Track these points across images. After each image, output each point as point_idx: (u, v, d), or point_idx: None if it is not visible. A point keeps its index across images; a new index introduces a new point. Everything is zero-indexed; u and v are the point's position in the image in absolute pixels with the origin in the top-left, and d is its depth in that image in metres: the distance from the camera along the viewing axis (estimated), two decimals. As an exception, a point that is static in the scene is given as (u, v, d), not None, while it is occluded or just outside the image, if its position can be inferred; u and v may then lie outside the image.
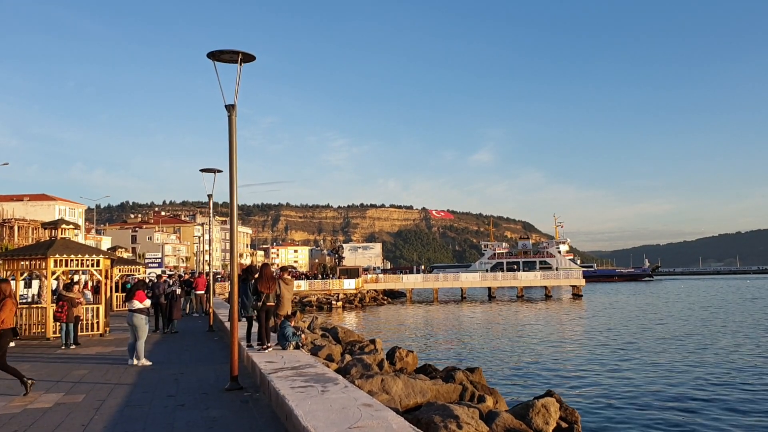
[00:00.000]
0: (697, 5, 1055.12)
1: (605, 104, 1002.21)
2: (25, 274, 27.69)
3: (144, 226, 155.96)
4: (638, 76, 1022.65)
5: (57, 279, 24.55)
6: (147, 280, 37.55)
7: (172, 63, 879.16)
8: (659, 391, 22.95)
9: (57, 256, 22.13)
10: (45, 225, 25.96)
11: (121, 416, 9.68)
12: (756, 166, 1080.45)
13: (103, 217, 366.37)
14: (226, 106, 11.85)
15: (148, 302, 16.75)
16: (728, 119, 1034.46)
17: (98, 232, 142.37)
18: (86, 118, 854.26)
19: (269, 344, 14.33)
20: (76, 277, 36.43)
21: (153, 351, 17.45)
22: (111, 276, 31.57)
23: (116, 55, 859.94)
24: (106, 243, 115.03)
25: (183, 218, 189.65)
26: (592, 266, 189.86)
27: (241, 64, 11.72)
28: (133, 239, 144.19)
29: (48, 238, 24.67)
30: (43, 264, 22.27)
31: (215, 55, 11.69)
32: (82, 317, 21.19)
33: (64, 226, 24.38)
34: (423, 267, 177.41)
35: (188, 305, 31.36)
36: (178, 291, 23.50)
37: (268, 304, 14.54)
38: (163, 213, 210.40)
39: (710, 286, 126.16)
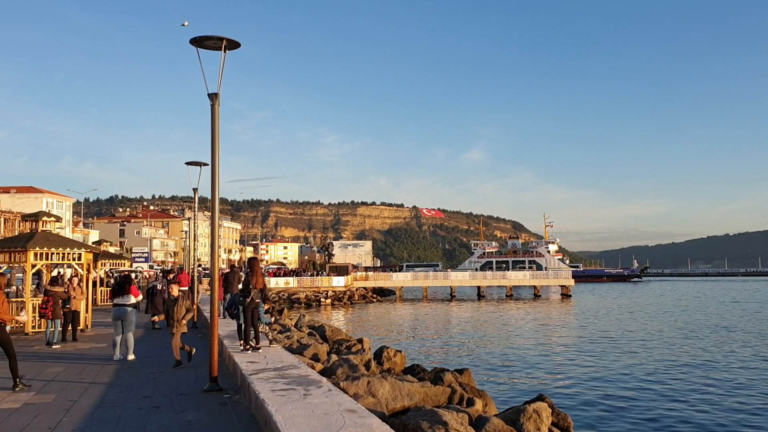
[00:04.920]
0: (690, 3, 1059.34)
1: (597, 103, 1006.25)
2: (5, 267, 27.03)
3: (132, 220, 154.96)
4: (630, 77, 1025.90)
5: (38, 273, 24.00)
6: (134, 275, 37.04)
7: (163, 56, 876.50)
8: (652, 394, 22.63)
9: (37, 249, 21.55)
10: (25, 217, 25.33)
11: (92, 419, 9.18)
12: (745, 168, 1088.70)
13: (91, 210, 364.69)
14: (209, 94, 11.35)
15: (140, 297, 16.33)
16: (719, 121, 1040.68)
17: (86, 225, 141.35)
18: (76, 110, 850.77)
19: (252, 344, 13.80)
20: (61, 271, 35.84)
21: (133, 348, 16.88)
22: (95, 270, 30.95)
23: (107, 48, 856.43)
24: (93, 236, 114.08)
25: (172, 213, 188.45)
26: (577, 266, 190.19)
27: (225, 51, 11.22)
28: (121, 233, 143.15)
29: (29, 231, 24.06)
30: (23, 257, 21.67)
31: (198, 42, 11.20)
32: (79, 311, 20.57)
33: (45, 218, 23.78)
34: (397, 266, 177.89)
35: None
36: (159, 286, 22.97)
37: (256, 300, 13.99)
38: (152, 207, 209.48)
39: (700, 288, 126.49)
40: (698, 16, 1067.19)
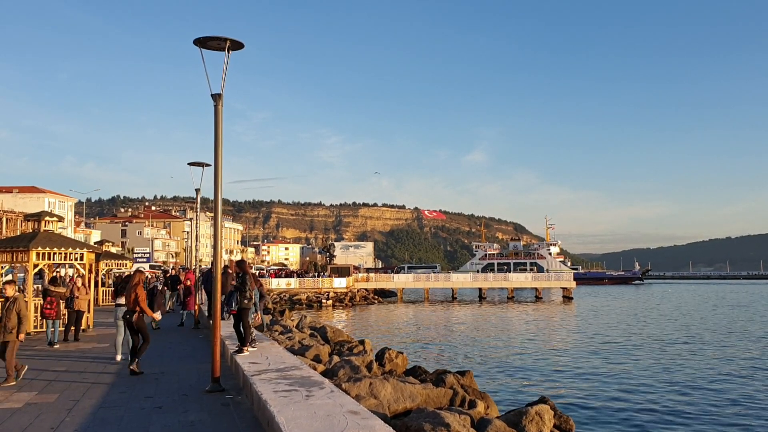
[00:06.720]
0: (691, 2, 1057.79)
1: (599, 104, 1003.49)
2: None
3: (134, 221, 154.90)
4: (633, 77, 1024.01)
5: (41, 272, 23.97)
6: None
7: (165, 56, 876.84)
8: (654, 396, 22.61)
9: (39, 249, 21.54)
10: (28, 217, 25.36)
11: (94, 419, 9.18)
12: (747, 171, 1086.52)
13: (93, 210, 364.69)
14: (212, 95, 11.36)
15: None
16: (721, 123, 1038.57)
17: (88, 225, 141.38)
18: (78, 110, 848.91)
19: (248, 346, 13.80)
20: (63, 271, 35.87)
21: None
22: (97, 270, 30.98)
23: (108, 48, 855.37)
24: (95, 237, 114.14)
25: (173, 213, 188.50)
26: (577, 268, 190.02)
27: (228, 52, 11.21)
28: (123, 233, 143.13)
29: (31, 231, 24.08)
30: (26, 257, 21.67)
31: (202, 42, 11.20)
32: (84, 311, 20.64)
33: (47, 218, 23.79)
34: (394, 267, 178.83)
35: (172, 301, 30.77)
36: (160, 286, 23.00)
37: (250, 303, 14.00)
38: (153, 208, 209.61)
39: (701, 291, 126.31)
40: (700, 16, 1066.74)
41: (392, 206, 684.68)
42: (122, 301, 15.32)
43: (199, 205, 25.13)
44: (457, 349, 35.62)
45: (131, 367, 13.03)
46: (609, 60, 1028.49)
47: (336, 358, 17.62)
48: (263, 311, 26.03)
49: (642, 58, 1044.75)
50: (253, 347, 14.05)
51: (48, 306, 18.59)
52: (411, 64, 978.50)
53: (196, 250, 28.70)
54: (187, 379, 12.61)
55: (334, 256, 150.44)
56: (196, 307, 24.86)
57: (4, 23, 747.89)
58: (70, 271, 36.86)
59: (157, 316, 14.72)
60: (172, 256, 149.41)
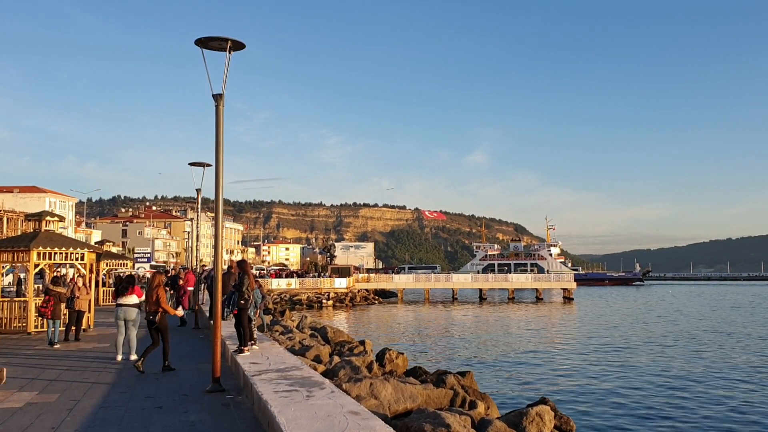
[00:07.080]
0: (692, 2, 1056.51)
1: (601, 105, 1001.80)
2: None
3: (135, 221, 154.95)
4: (634, 78, 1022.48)
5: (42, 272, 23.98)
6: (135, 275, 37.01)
7: (165, 56, 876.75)
8: (654, 397, 22.61)
9: (40, 248, 21.56)
10: (29, 217, 25.38)
11: (95, 418, 9.19)
12: (748, 172, 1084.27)
13: (94, 210, 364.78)
14: (213, 95, 11.36)
15: (143, 297, 16.37)
16: (722, 123, 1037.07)
17: (89, 225, 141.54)
18: (79, 110, 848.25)
19: (249, 345, 13.80)
20: (63, 271, 35.90)
21: (136, 348, 16.87)
22: (98, 270, 30.99)
23: (109, 48, 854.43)
24: (96, 237, 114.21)
25: (174, 213, 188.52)
26: (577, 269, 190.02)
27: (230, 52, 11.23)
28: (124, 233, 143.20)
29: (32, 230, 24.11)
30: (26, 256, 21.70)
31: (203, 42, 11.22)
32: (85, 311, 20.66)
33: (48, 218, 23.81)
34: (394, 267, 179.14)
35: (172, 301, 30.75)
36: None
37: (248, 303, 13.97)
38: (154, 208, 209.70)
39: (702, 292, 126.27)
40: (700, 16, 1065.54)
41: (393, 207, 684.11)
42: (123, 301, 15.31)
43: (199, 205, 25.16)
44: (458, 350, 35.63)
45: (137, 365, 13.28)
46: (609, 60, 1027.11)
47: (336, 359, 17.63)
48: (264, 311, 26.10)
49: (642, 58, 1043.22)
50: (254, 347, 14.07)
51: (44, 305, 18.62)
52: (411, 64, 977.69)
53: (197, 250, 28.71)
54: (188, 378, 12.62)
55: (335, 257, 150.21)
56: (197, 306, 24.87)
57: (4, 23, 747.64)
58: (71, 271, 36.92)
59: (180, 312, 14.98)
60: (173, 256, 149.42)
